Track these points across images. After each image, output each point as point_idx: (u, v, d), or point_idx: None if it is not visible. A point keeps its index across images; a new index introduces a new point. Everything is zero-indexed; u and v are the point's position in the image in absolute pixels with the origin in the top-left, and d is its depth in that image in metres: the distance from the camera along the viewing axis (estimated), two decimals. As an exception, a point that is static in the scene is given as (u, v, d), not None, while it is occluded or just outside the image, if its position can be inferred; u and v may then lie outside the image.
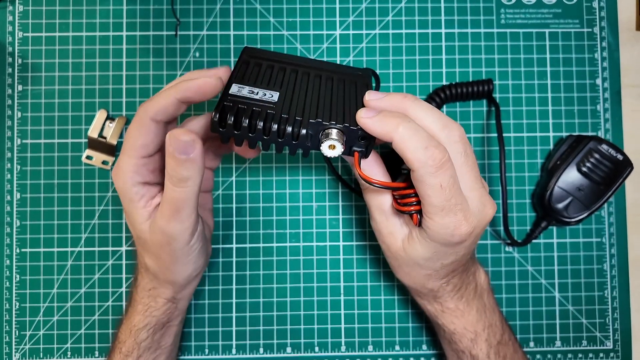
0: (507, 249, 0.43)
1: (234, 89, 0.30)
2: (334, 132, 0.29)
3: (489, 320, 0.35)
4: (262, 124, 0.29)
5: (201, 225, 0.34)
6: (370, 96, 0.31)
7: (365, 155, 0.30)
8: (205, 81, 0.31)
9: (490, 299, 0.36)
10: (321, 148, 0.29)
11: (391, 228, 0.33)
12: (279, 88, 0.31)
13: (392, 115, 0.29)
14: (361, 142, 0.30)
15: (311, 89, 0.32)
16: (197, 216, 0.33)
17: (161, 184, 0.34)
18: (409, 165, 0.28)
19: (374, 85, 0.36)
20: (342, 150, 0.29)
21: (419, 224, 0.31)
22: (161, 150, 0.33)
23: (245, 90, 0.30)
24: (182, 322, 0.39)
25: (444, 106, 0.43)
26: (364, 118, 0.29)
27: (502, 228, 0.41)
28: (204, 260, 0.36)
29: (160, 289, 0.35)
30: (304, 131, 0.29)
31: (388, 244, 0.33)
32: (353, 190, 0.42)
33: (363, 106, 0.31)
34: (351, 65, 0.42)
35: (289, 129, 0.29)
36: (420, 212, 0.30)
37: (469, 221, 0.29)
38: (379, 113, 0.29)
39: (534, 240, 0.42)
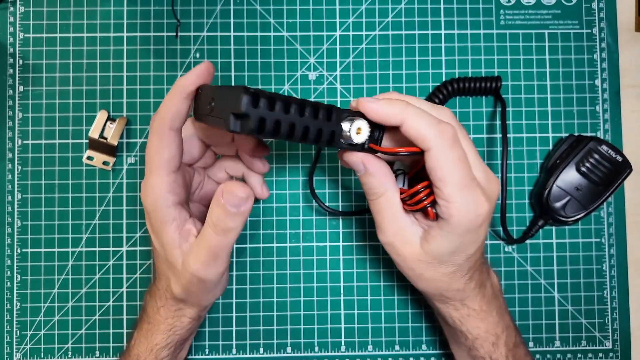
0: (506, 249, 0.43)
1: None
2: (359, 120, 0.29)
3: (506, 322, 0.35)
4: (294, 105, 0.27)
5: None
6: (363, 98, 0.30)
7: (379, 142, 0.31)
8: (199, 68, 0.30)
9: (503, 299, 0.36)
10: (349, 133, 0.29)
11: (405, 236, 0.31)
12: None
13: (397, 99, 0.29)
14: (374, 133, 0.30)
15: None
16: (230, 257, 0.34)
17: (186, 206, 0.34)
18: (425, 144, 0.28)
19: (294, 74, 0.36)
20: (369, 134, 0.30)
21: (436, 217, 0.30)
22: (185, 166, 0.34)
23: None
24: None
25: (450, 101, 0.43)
26: (369, 102, 0.29)
27: (501, 229, 0.41)
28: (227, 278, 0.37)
29: (187, 310, 0.35)
30: (334, 116, 0.28)
31: (404, 255, 0.32)
32: (353, 214, 0.42)
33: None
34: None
35: (322, 110, 0.28)
36: (434, 203, 0.30)
37: (487, 196, 0.29)
38: (382, 99, 0.29)
39: (533, 241, 0.42)
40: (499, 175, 0.40)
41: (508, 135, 0.43)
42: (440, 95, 0.41)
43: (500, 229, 0.41)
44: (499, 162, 0.42)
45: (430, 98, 0.42)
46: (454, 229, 0.29)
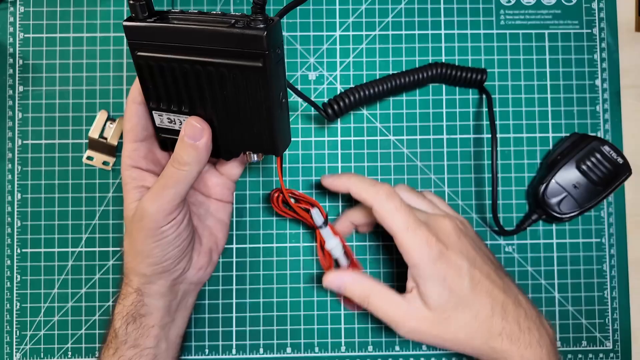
0: (506, 249, 0.43)
1: (157, 119, 0.34)
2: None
3: None
4: None
5: (187, 220, 0.34)
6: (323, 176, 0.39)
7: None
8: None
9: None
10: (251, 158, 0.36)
11: (412, 312, 0.34)
12: (186, 109, 0.32)
13: (343, 174, 0.39)
14: None
15: (208, 103, 0.31)
16: (184, 206, 0.34)
17: (156, 173, 0.35)
18: (368, 203, 0.35)
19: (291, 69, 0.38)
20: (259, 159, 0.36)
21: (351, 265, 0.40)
22: (152, 140, 0.36)
23: (165, 119, 0.34)
24: (166, 327, 0.36)
25: (439, 86, 0.43)
26: (326, 179, 0.38)
27: (493, 222, 0.41)
28: (182, 259, 0.35)
29: (130, 276, 0.35)
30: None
31: (424, 328, 0.34)
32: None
33: (262, 111, 0.31)
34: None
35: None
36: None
37: (432, 232, 0.34)
38: (334, 174, 0.38)
39: (533, 241, 0.42)
40: (490, 162, 0.40)
41: (508, 135, 0.43)
42: (424, 74, 0.41)
43: (494, 226, 0.41)
44: (489, 148, 0.43)
45: (413, 72, 0.41)
46: (420, 267, 0.33)
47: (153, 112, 0.33)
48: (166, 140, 0.35)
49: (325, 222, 0.39)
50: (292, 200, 0.40)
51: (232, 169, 0.38)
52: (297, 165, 0.43)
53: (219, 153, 0.35)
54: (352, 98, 0.40)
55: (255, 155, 0.35)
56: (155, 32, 0.29)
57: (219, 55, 0.29)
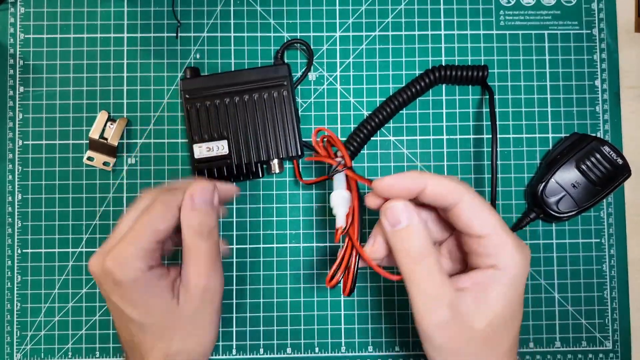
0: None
1: (197, 151, 0.40)
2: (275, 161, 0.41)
3: None
4: (225, 174, 0.40)
5: None
6: (378, 179, 0.30)
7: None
8: (230, 188, 0.36)
9: None
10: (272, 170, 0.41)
11: (458, 314, 0.28)
12: (225, 134, 0.40)
13: (403, 172, 0.30)
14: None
15: (243, 125, 0.40)
16: None
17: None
18: (454, 196, 0.28)
19: (295, 75, 0.41)
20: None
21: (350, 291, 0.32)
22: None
23: (204, 149, 0.40)
24: None
25: (441, 87, 0.43)
26: (384, 182, 0.29)
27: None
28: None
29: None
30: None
31: (459, 341, 0.28)
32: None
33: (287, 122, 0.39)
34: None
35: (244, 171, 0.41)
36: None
37: (520, 244, 0.29)
38: (395, 175, 0.29)
39: (533, 241, 0.42)
40: (489, 162, 0.39)
41: (507, 136, 0.43)
42: (423, 82, 0.41)
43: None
44: (488, 149, 0.43)
45: (414, 84, 0.41)
46: (512, 276, 0.28)
47: (194, 145, 0.40)
48: (202, 167, 0.40)
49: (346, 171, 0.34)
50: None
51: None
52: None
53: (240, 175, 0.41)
54: (361, 135, 0.41)
55: (277, 166, 0.40)
56: (207, 81, 0.40)
57: (255, 87, 0.40)
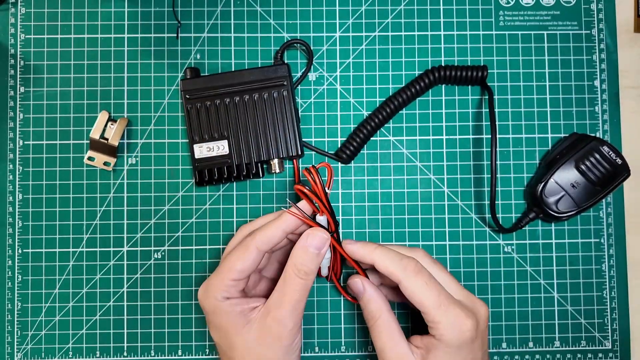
0: (506, 249, 0.43)
1: (197, 151, 0.40)
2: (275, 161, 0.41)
3: None
4: (226, 174, 0.41)
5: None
6: (345, 240, 0.37)
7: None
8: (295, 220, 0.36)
9: None
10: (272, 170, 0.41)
11: None
12: (225, 134, 0.40)
13: (369, 243, 0.37)
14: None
15: (243, 125, 0.40)
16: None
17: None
18: (394, 277, 0.34)
19: (295, 75, 0.41)
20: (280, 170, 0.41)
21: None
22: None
23: (204, 149, 0.40)
24: None
25: (440, 87, 0.43)
26: (349, 244, 0.37)
27: (492, 219, 0.41)
28: None
29: None
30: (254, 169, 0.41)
31: None
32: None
33: (287, 121, 0.40)
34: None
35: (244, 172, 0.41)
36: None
37: (468, 314, 0.33)
38: (359, 242, 0.37)
39: (533, 241, 0.43)
40: (489, 162, 0.39)
41: (507, 136, 0.43)
42: (423, 82, 0.41)
43: (493, 225, 0.41)
44: (488, 149, 0.43)
45: (413, 84, 0.41)
46: (448, 346, 0.33)
47: (194, 145, 0.40)
48: (203, 167, 0.40)
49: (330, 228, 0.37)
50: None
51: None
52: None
53: (240, 174, 0.41)
54: (361, 135, 0.41)
55: (277, 166, 0.40)
56: (207, 82, 0.40)
57: (255, 87, 0.40)
